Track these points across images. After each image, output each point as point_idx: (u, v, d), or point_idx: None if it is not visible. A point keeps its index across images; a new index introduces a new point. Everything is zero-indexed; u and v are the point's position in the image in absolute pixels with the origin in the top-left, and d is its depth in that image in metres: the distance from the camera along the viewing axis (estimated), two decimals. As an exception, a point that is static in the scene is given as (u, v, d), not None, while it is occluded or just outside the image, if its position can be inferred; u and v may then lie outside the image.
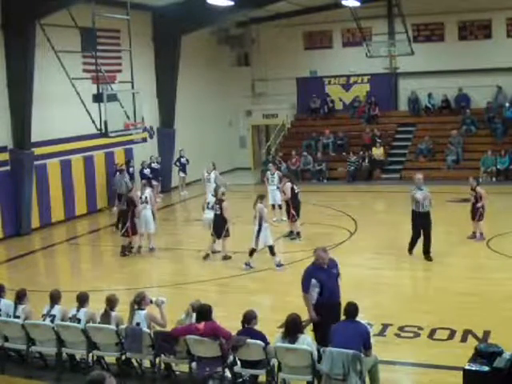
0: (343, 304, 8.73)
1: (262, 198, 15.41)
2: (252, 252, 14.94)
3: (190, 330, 8.75)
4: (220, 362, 8.65)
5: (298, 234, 17.56)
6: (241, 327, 8.79)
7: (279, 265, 14.93)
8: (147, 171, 23.54)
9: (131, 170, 23.28)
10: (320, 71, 30.45)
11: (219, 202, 15.71)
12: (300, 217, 17.67)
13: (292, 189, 17.37)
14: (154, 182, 23.63)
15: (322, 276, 9.41)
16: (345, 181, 26.77)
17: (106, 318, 9.47)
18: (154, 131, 25.91)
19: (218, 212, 15.63)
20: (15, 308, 9.97)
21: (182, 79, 25.74)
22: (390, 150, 28.09)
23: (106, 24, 19.98)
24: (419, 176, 15.16)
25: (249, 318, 8.74)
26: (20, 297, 10.05)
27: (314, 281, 9.36)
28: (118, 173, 22.19)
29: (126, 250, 16.72)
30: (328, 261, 9.56)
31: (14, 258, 17.47)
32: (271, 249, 14.97)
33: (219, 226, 15.59)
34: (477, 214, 16.28)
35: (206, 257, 15.96)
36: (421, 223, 14.79)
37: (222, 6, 22.49)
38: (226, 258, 15.86)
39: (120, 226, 16.90)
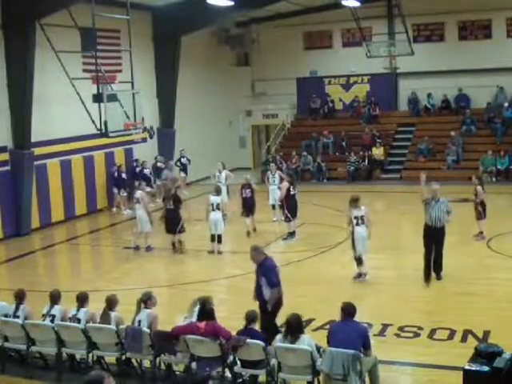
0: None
1: (355, 201, 13.82)
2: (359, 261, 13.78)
3: (191, 329, 8.74)
4: (220, 362, 8.65)
5: (291, 234, 17.55)
6: (241, 327, 8.80)
7: (358, 276, 13.85)
8: (147, 171, 23.57)
9: (137, 169, 23.35)
10: (320, 71, 30.49)
11: (248, 185, 18.35)
12: (297, 217, 17.67)
13: (288, 189, 17.36)
14: (159, 182, 23.72)
15: (256, 273, 10.03)
16: (345, 181, 26.78)
17: (105, 318, 9.47)
18: (154, 131, 25.91)
19: (250, 195, 18.21)
20: (16, 308, 9.96)
21: (182, 79, 25.74)
22: (390, 150, 28.11)
23: (106, 24, 19.98)
24: (436, 187, 13.25)
25: (251, 318, 8.73)
26: (20, 297, 10.04)
27: None
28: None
29: (181, 247, 16.79)
30: (259, 259, 9.92)
31: (13, 258, 17.46)
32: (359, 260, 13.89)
33: (251, 206, 18.26)
34: (476, 212, 16.34)
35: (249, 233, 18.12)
36: (433, 239, 13.22)
37: (222, 5, 22.51)
38: (250, 232, 18.12)
39: (168, 224, 16.70)
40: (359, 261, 13.79)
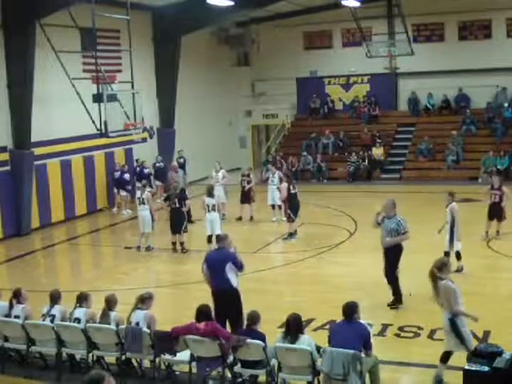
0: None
1: (453, 195, 13.96)
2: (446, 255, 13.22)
3: (191, 330, 8.74)
4: (220, 362, 8.65)
5: (291, 234, 17.54)
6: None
7: (460, 270, 13.83)
8: (147, 171, 23.57)
9: (137, 169, 23.36)
10: (320, 71, 30.50)
11: (247, 176, 20.34)
12: (298, 217, 17.67)
13: (288, 189, 17.36)
14: (158, 182, 23.72)
15: None
16: (345, 181, 26.79)
17: (104, 318, 9.47)
18: (154, 131, 25.92)
19: (252, 184, 20.26)
20: (10, 307, 9.91)
21: (182, 79, 25.74)
22: (390, 150, 28.12)
23: (106, 24, 19.99)
24: (386, 202, 12.00)
25: (253, 319, 8.70)
26: (17, 296, 10.03)
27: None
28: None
29: (184, 247, 16.89)
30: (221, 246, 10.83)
31: (13, 258, 17.47)
32: (458, 254, 13.90)
33: (248, 194, 20.17)
34: (503, 213, 16.23)
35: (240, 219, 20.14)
36: (386, 258, 12.21)
37: (222, 5, 22.50)
38: (251, 219, 20.10)
39: (173, 223, 16.83)
40: (459, 255, 13.88)
